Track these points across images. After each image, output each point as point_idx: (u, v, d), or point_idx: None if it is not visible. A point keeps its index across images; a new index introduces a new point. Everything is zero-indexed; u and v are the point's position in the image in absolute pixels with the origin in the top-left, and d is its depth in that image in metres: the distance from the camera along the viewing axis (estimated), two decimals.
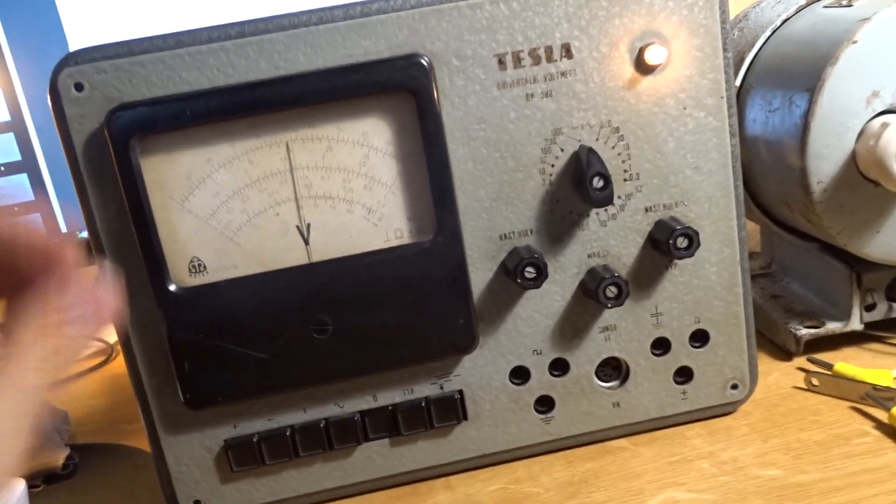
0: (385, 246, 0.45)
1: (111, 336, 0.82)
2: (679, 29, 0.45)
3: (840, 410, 0.49)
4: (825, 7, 0.56)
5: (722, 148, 0.46)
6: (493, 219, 0.46)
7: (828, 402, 0.50)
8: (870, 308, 0.55)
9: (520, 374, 0.48)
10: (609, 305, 0.45)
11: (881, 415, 0.48)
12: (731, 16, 0.50)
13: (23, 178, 0.86)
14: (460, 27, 0.43)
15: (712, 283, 0.48)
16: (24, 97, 0.84)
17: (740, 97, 0.59)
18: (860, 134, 0.49)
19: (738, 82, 0.59)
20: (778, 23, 0.59)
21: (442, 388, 0.48)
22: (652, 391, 0.50)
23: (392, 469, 0.49)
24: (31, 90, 0.84)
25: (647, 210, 0.47)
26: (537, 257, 0.45)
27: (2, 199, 0.67)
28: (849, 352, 0.56)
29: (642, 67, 0.45)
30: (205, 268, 0.44)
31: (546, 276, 0.45)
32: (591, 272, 0.47)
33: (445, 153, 0.44)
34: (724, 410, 0.51)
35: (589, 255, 0.47)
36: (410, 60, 0.43)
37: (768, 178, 0.57)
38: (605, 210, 0.46)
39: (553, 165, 0.46)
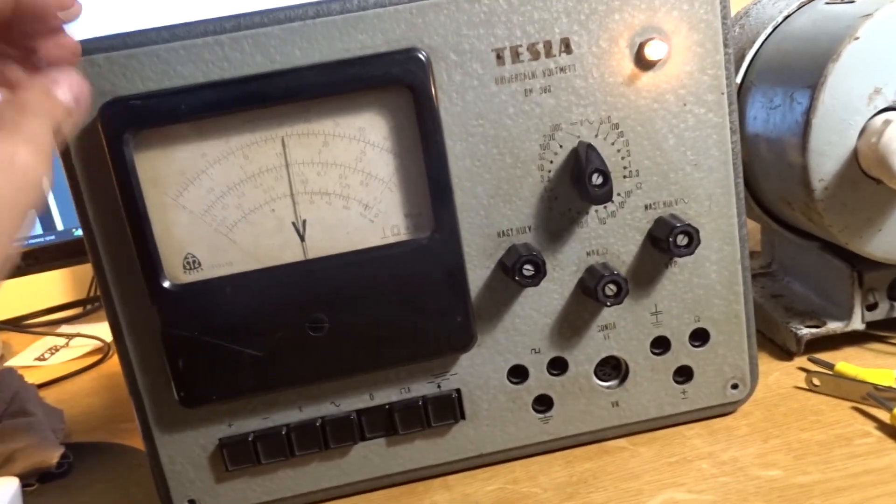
0: (382, 243, 0.44)
1: (109, 335, 0.82)
2: (680, 24, 0.44)
3: (841, 411, 0.49)
4: (826, 3, 0.56)
5: (722, 145, 0.46)
6: (490, 216, 0.45)
7: (829, 403, 0.50)
8: (871, 307, 0.55)
9: (518, 373, 0.48)
10: (608, 304, 0.45)
11: (883, 415, 0.47)
12: (732, 12, 0.50)
13: None
14: (458, 21, 0.43)
15: (712, 281, 0.48)
16: None
17: (741, 94, 0.58)
18: (862, 131, 0.49)
19: (738, 79, 0.59)
20: (779, 19, 0.59)
21: (439, 386, 0.48)
22: (651, 391, 0.49)
23: (389, 469, 0.49)
24: None
25: (646, 207, 0.46)
26: (536, 255, 0.44)
27: None
28: (850, 351, 0.55)
29: (642, 63, 0.44)
30: (199, 264, 0.44)
31: (544, 274, 0.44)
32: (590, 270, 0.46)
33: (443, 149, 0.44)
34: (724, 410, 0.50)
35: (588, 253, 0.47)
36: (408, 55, 0.42)
37: (769, 177, 0.56)
38: (605, 207, 0.46)
39: (552, 162, 0.45)
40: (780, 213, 0.59)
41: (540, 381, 0.48)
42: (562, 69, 0.44)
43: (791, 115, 0.51)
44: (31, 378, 0.68)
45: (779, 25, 0.59)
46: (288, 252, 0.44)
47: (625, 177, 0.46)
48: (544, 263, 0.44)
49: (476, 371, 0.48)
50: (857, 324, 0.55)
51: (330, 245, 0.44)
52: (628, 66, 0.44)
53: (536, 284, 0.45)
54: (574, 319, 0.47)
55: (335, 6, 0.42)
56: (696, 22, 0.44)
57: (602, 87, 0.44)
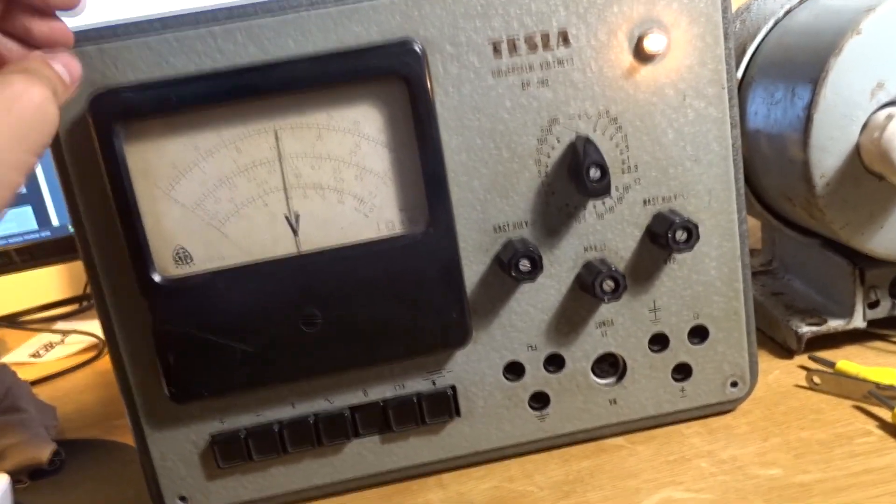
0: (376, 237, 0.44)
1: None
2: (679, 17, 0.44)
3: (842, 409, 0.48)
4: None
5: (722, 139, 0.45)
6: (487, 210, 0.45)
7: (830, 401, 0.49)
8: (873, 305, 0.55)
9: (514, 370, 0.48)
10: (606, 300, 0.44)
11: (884, 414, 0.47)
12: (734, 7, 0.49)
13: None
14: (454, 13, 0.42)
15: (712, 277, 0.47)
16: None
17: (742, 89, 0.58)
18: (864, 126, 0.48)
19: (739, 74, 0.58)
20: (781, 13, 0.58)
21: (434, 383, 0.47)
22: (649, 388, 0.48)
23: (383, 466, 0.48)
24: None
25: (645, 202, 0.46)
26: (532, 250, 0.44)
27: None
28: (851, 350, 0.55)
29: (641, 56, 0.44)
30: (191, 258, 0.43)
31: (541, 270, 0.44)
32: (588, 266, 0.46)
33: (438, 143, 0.43)
34: (723, 408, 0.50)
35: (585, 249, 0.46)
36: (403, 47, 0.42)
37: (770, 173, 0.56)
38: (602, 202, 0.45)
39: (549, 156, 0.44)
40: (780, 210, 0.59)
41: (536, 378, 0.48)
42: (559, 62, 0.43)
43: (792, 110, 0.51)
44: (26, 374, 0.68)
45: (780, 20, 0.58)
46: (281, 246, 0.44)
47: (623, 171, 0.45)
48: (541, 259, 0.44)
49: (471, 367, 0.47)
50: (858, 322, 0.55)
51: (323, 239, 0.44)
52: (627, 58, 0.44)
53: (533, 280, 0.44)
54: (571, 316, 0.47)
55: None
56: (696, 15, 0.44)
57: (600, 80, 0.44)
